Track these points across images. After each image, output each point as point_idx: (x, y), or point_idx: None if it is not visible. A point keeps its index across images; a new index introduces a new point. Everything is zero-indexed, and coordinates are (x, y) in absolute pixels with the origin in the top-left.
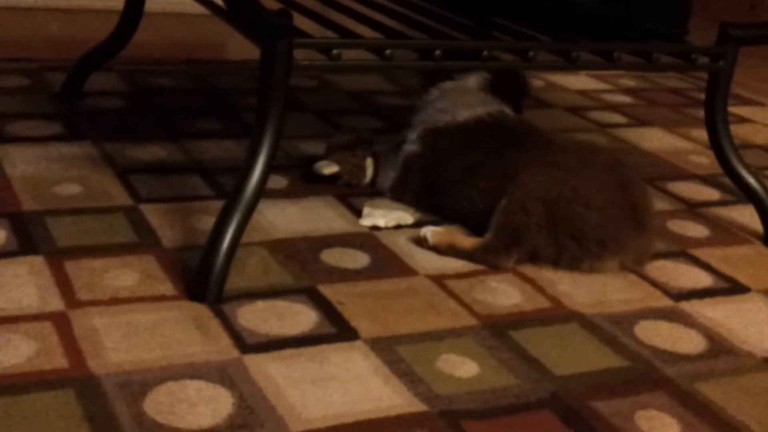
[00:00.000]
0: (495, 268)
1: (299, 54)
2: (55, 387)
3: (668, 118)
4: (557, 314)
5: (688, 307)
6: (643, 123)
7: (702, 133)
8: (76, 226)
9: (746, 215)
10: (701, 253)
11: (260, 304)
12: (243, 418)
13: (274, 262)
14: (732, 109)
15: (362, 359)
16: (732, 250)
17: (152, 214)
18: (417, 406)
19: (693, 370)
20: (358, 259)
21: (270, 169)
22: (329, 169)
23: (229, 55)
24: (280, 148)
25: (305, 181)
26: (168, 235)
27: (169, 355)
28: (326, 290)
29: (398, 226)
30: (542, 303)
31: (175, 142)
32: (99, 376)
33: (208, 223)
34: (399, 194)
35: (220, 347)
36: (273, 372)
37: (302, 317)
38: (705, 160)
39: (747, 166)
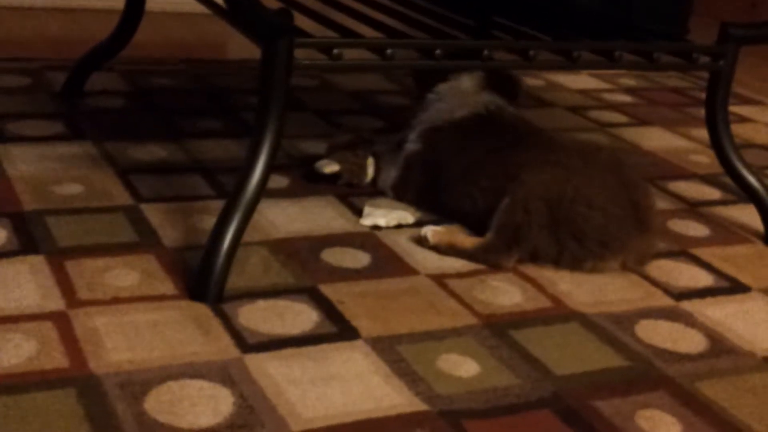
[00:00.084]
0: (496, 267)
1: (300, 53)
2: (56, 387)
3: (669, 117)
4: (558, 314)
5: (689, 306)
6: (643, 122)
7: (703, 133)
8: (76, 226)
9: (747, 215)
10: (702, 253)
11: (261, 304)
12: (244, 417)
13: (275, 261)
14: (733, 108)
15: (363, 359)
16: (733, 249)
17: (153, 213)
18: (418, 405)
19: (694, 369)
20: (359, 259)
21: (271, 168)
22: (330, 168)
23: (230, 55)
24: (281, 147)
25: (306, 181)
26: (169, 234)
27: (170, 354)
28: (327, 290)
29: (399, 226)
30: (543, 302)
31: (176, 141)
32: (100, 375)
33: (208, 222)
34: (400, 193)
35: (220, 347)
36: (273, 371)
37: (303, 317)
38: (706, 160)
39: (748, 166)
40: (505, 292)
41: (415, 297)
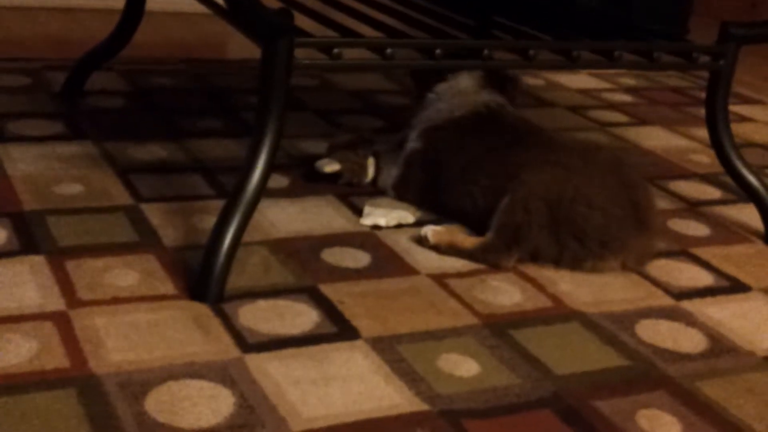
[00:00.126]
0: (496, 267)
1: (300, 53)
2: (56, 387)
3: (669, 116)
4: (558, 313)
5: (689, 306)
6: (643, 122)
7: (703, 132)
8: (77, 226)
9: (747, 214)
10: (702, 252)
11: (261, 304)
12: (244, 417)
13: (275, 261)
14: (733, 107)
15: (363, 358)
16: (733, 248)
17: (153, 213)
18: (418, 405)
19: (694, 369)
20: (359, 259)
21: (271, 168)
22: (330, 167)
23: (230, 55)
24: (281, 147)
25: (306, 180)
26: (169, 234)
27: (170, 354)
28: (327, 290)
29: (399, 226)
30: (543, 302)
31: (176, 141)
32: (100, 375)
33: (209, 222)
34: (402, 192)
35: (221, 347)
36: (274, 371)
37: (303, 317)
38: (706, 159)
39: (748, 165)
40: (505, 292)
41: (416, 297)
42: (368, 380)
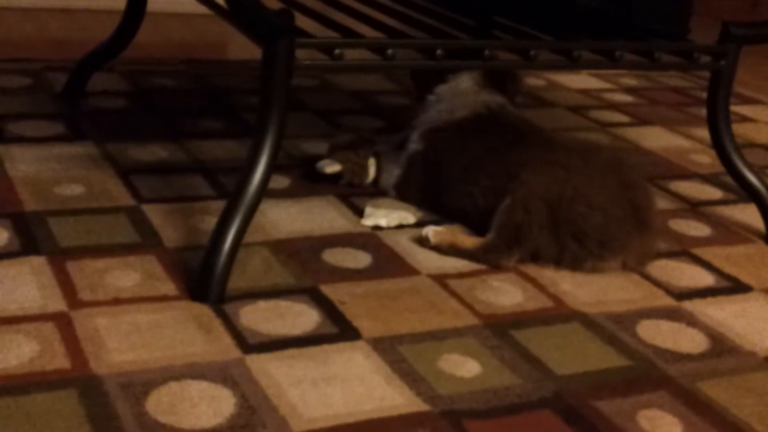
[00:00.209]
0: (497, 267)
1: (301, 54)
2: (57, 387)
3: (670, 117)
4: (559, 314)
5: (690, 306)
6: (644, 122)
7: (704, 132)
8: (77, 227)
9: (748, 214)
10: (703, 253)
11: (262, 304)
12: (245, 418)
13: (276, 262)
14: (734, 107)
15: (364, 359)
16: (734, 249)
17: (154, 214)
18: (419, 405)
19: (695, 369)
20: (360, 259)
21: (272, 169)
22: (331, 167)
23: (230, 55)
24: (282, 147)
25: (307, 181)
26: (170, 235)
27: (171, 355)
28: (328, 290)
29: (400, 226)
30: (544, 302)
31: (177, 142)
32: (101, 376)
33: (210, 223)
34: (403, 192)
35: (222, 347)
36: (275, 372)
37: (304, 317)
38: (707, 159)
39: (749, 165)
40: (506, 292)
41: (416, 297)
42: (369, 381)
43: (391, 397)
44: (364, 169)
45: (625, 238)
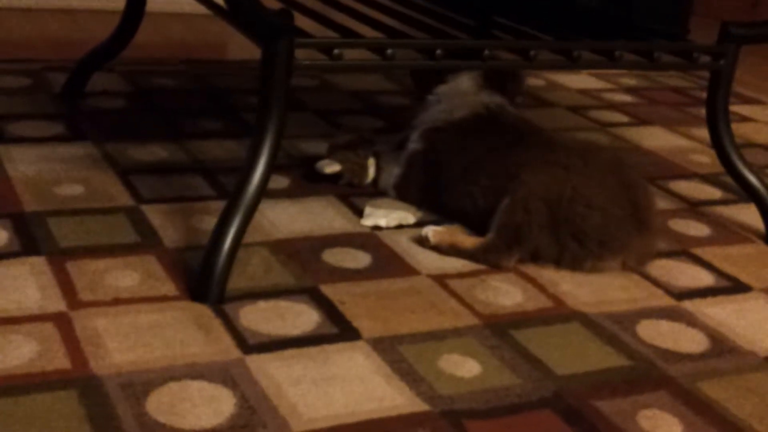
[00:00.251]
0: (496, 267)
1: (300, 54)
2: (57, 388)
3: (669, 116)
4: (559, 314)
5: (690, 306)
6: (644, 122)
7: (703, 132)
8: (77, 227)
9: (748, 214)
10: (703, 252)
11: (262, 305)
12: (245, 418)
13: (276, 262)
14: (733, 107)
15: (364, 359)
16: (734, 249)
17: (154, 214)
18: (419, 405)
19: (695, 369)
20: (360, 259)
21: (271, 169)
22: (331, 168)
23: (230, 55)
24: (281, 147)
25: (307, 181)
26: (170, 235)
27: (171, 355)
28: (328, 290)
29: (400, 226)
30: (544, 302)
31: (176, 142)
32: (101, 376)
33: (209, 223)
34: (403, 192)
35: (222, 347)
36: (275, 372)
37: (304, 317)
38: (706, 159)
39: (748, 165)
40: (506, 292)
41: (416, 297)
42: (369, 381)
43: (391, 397)
44: (364, 169)
45: (625, 238)
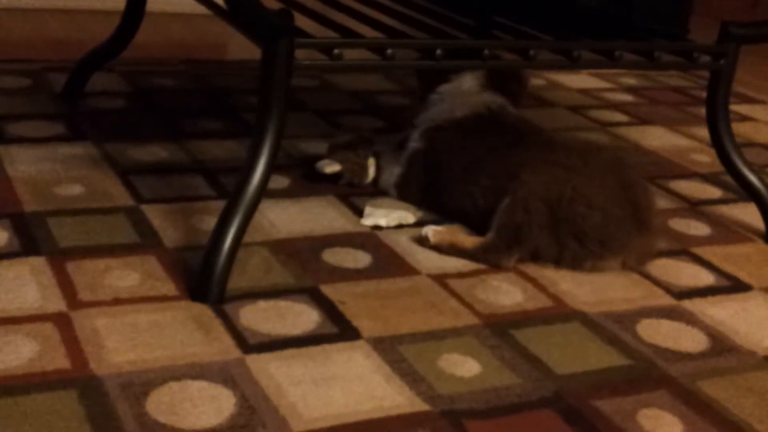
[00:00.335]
0: (497, 267)
1: (300, 54)
2: (57, 388)
3: (670, 116)
4: (559, 313)
5: (690, 305)
6: (644, 121)
7: (704, 132)
8: (77, 227)
9: (748, 213)
10: (703, 252)
11: (262, 304)
12: (245, 418)
13: (276, 262)
14: (733, 107)
15: (364, 359)
16: (734, 248)
17: (154, 214)
18: (419, 405)
19: (695, 368)
20: (360, 259)
21: (271, 169)
22: (331, 167)
23: (230, 55)
24: (281, 147)
25: (307, 181)
26: (170, 235)
27: (171, 355)
28: (328, 290)
29: (400, 226)
30: (544, 302)
31: (176, 142)
32: (101, 376)
33: (209, 223)
34: (404, 191)
35: (222, 347)
36: (275, 372)
37: (304, 317)
38: (706, 159)
39: (749, 164)
40: (506, 292)
41: (416, 297)
42: (369, 380)
43: (391, 396)
44: (364, 168)
45: (625, 238)
